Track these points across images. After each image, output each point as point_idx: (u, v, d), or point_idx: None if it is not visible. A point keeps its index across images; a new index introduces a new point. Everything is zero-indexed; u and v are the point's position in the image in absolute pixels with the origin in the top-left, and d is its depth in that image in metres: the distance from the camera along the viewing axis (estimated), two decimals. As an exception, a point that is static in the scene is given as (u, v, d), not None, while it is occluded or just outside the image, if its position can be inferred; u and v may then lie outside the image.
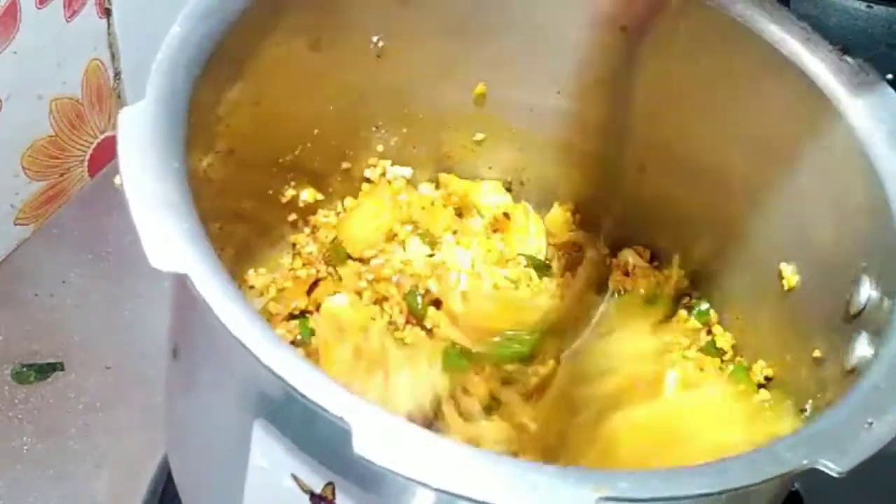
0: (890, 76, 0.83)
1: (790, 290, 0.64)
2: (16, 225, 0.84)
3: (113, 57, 0.85)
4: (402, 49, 0.69)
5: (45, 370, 0.77)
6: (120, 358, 0.78)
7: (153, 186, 0.48)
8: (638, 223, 0.75)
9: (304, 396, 0.43)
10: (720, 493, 0.43)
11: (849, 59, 0.60)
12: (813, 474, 0.44)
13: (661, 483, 0.43)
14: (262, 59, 0.61)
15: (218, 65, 0.55)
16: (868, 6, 0.91)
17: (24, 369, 0.77)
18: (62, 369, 0.77)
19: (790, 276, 0.64)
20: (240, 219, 0.66)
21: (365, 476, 0.47)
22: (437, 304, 0.69)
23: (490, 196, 0.75)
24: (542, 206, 0.77)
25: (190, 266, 0.45)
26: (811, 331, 0.62)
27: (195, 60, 0.53)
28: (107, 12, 0.83)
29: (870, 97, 0.59)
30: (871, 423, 0.46)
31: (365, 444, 0.41)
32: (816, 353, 0.61)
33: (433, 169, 0.76)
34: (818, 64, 0.60)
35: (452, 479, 0.41)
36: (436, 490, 0.41)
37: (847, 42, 0.61)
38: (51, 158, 0.84)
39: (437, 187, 0.76)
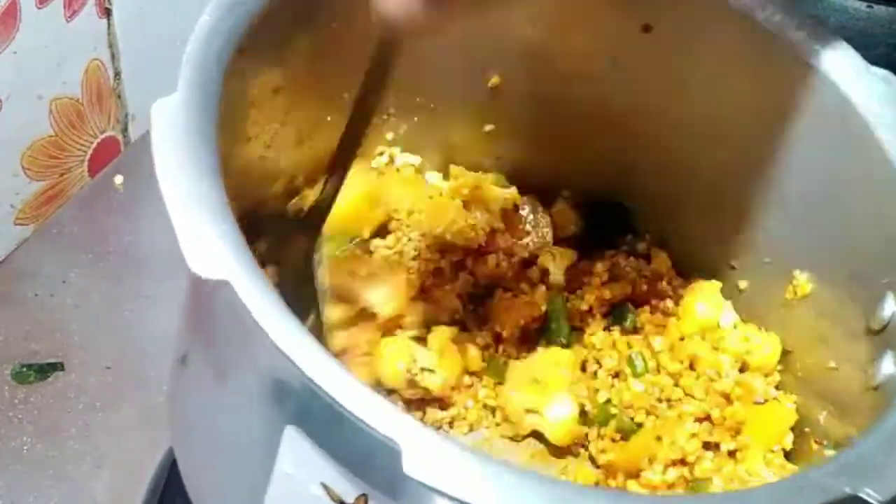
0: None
1: (803, 297, 0.64)
2: (16, 225, 0.84)
3: (113, 57, 0.85)
4: (419, 37, 0.69)
5: (45, 370, 0.77)
6: (120, 358, 0.78)
7: (189, 186, 0.46)
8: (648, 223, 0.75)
9: (352, 414, 0.42)
10: None
11: (877, 70, 0.59)
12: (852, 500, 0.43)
13: None
14: (286, 49, 0.60)
15: (245, 55, 0.54)
16: (868, 6, 0.91)
17: (24, 369, 0.77)
18: (62, 369, 0.77)
19: (803, 283, 0.63)
20: (250, 208, 0.66)
21: (401, 490, 0.46)
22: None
23: (497, 188, 0.75)
24: (549, 199, 0.77)
25: (232, 273, 0.44)
26: (826, 340, 0.62)
27: (224, 51, 0.52)
28: (107, 12, 0.83)
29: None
30: None
31: (415, 465, 0.41)
32: (831, 364, 0.61)
33: (441, 158, 0.76)
34: (841, 72, 0.59)
35: (503, 502, 0.41)
36: None
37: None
38: (51, 158, 0.84)
39: (446, 178, 0.76)
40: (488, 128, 0.75)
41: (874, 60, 0.60)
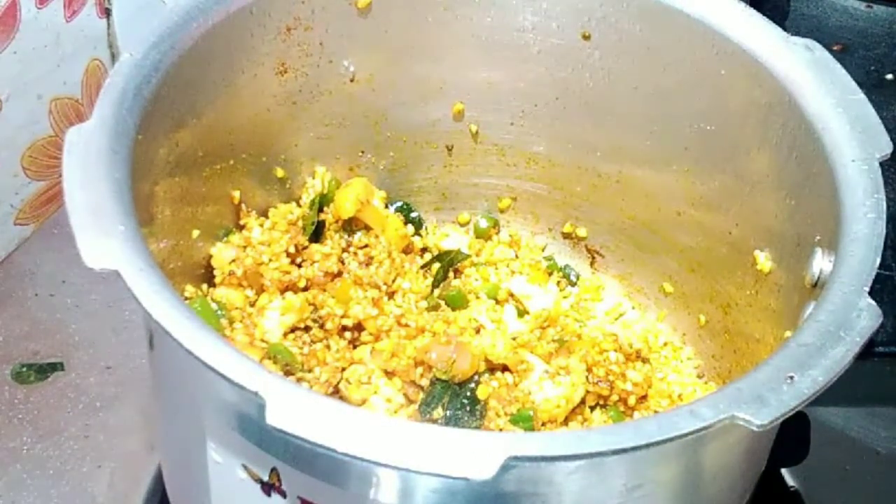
0: (890, 76, 0.84)
1: (766, 274, 0.64)
2: (16, 225, 0.84)
3: (113, 57, 0.85)
4: (376, 72, 0.70)
5: (45, 370, 0.77)
6: (120, 358, 0.78)
7: (91, 196, 0.50)
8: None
9: (220, 374, 0.44)
10: (632, 448, 0.43)
11: (797, 39, 0.58)
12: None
13: (573, 441, 0.44)
14: (223, 85, 0.63)
15: (173, 89, 0.58)
16: (868, 6, 0.91)
17: (24, 369, 0.77)
18: (62, 369, 0.78)
19: (763, 262, 0.64)
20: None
21: (300, 457, 0.48)
22: None
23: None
24: (531, 221, 0.78)
25: (120, 264, 0.48)
26: (783, 312, 0.62)
27: (144, 86, 0.56)
28: (107, 12, 0.83)
29: (820, 76, 0.59)
30: (792, 378, 0.46)
31: (277, 416, 0.43)
32: (788, 334, 0.61)
33: (434, 196, 0.77)
34: (767, 49, 0.60)
35: (363, 445, 0.42)
36: (345, 455, 0.42)
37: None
38: (51, 158, 0.84)
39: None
40: (466, 155, 0.75)
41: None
